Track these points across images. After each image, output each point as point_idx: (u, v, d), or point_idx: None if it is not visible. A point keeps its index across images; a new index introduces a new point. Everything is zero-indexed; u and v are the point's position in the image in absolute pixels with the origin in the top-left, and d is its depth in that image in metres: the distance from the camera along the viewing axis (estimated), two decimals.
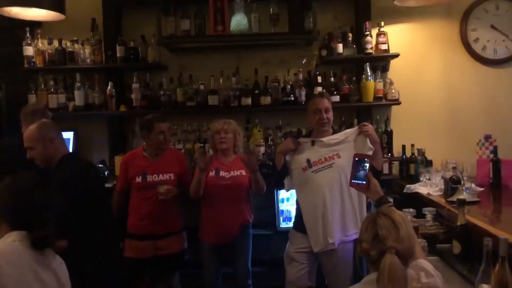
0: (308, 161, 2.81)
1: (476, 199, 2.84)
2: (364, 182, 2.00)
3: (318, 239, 2.77)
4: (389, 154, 3.82)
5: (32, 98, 3.92)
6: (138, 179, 3.13)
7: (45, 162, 2.53)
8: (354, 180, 2.02)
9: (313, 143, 2.82)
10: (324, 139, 2.80)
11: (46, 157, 2.52)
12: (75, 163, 2.59)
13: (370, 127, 2.77)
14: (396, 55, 3.83)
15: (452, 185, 2.89)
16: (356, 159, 2.04)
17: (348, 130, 2.90)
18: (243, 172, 3.11)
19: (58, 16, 3.48)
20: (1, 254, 1.54)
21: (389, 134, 3.87)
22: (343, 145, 2.79)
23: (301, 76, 3.91)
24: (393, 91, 3.83)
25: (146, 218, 3.12)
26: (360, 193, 2.53)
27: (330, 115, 2.83)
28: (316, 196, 2.77)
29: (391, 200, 2.14)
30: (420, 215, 2.76)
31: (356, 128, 2.85)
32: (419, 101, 4.01)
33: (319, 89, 3.78)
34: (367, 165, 2.00)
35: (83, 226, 2.37)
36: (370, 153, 2.70)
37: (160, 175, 3.14)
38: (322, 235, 2.75)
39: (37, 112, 3.15)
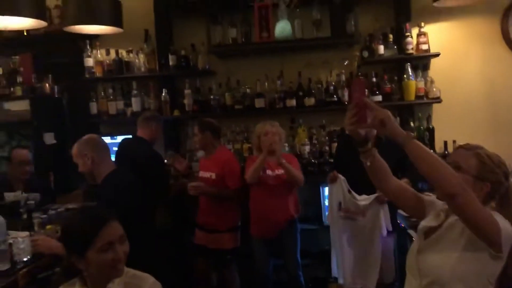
0: (339, 204, 3.08)
1: None
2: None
3: None
4: (431, 151, 3.93)
5: (93, 106, 4.28)
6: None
7: (89, 177, 2.61)
8: None
9: (349, 191, 3.05)
10: (359, 197, 3.01)
11: (87, 173, 2.58)
12: (116, 183, 2.53)
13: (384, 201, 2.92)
14: (436, 55, 3.92)
15: None
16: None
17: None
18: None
19: (116, 30, 3.78)
20: None
21: (431, 131, 3.98)
22: (370, 210, 2.99)
23: (343, 77, 4.07)
24: (434, 89, 3.93)
25: (201, 210, 3.52)
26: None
27: None
28: (338, 236, 3.10)
29: None
30: None
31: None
32: (460, 99, 4.09)
33: None
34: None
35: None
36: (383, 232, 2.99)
37: (205, 172, 3.47)
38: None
39: (151, 118, 3.56)
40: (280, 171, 3.33)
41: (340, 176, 3.09)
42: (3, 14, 2.43)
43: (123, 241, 1.54)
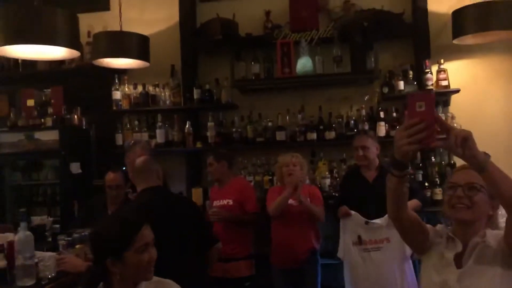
0: (359, 237, 3.07)
1: None
2: None
3: None
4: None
5: (118, 137, 4.41)
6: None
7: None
8: None
9: (366, 223, 3.04)
10: (378, 221, 2.98)
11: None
12: (141, 198, 2.61)
13: None
14: (456, 91, 3.97)
15: None
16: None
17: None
18: (309, 201, 3.35)
19: (143, 63, 3.93)
20: None
21: (453, 167, 3.96)
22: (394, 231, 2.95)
23: (364, 112, 4.13)
24: (455, 125, 3.94)
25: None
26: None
27: (369, 151, 3.12)
28: (362, 272, 3.07)
29: None
30: None
31: None
32: (482, 134, 3.97)
33: (382, 124, 3.99)
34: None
35: None
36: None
37: (221, 200, 3.49)
38: None
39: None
40: None
41: (352, 211, 3.12)
42: (40, 43, 2.57)
43: (153, 245, 1.60)
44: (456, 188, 1.58)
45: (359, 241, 3.06)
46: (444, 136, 1.37)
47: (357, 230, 3.07)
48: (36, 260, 2.31)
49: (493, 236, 1.54)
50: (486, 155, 1.37)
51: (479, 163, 1.36)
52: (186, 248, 2.50)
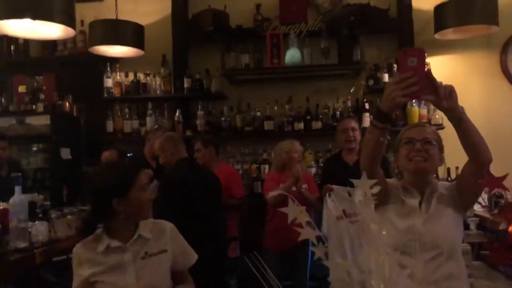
0: (343, 211, 3.10)
1: None
2: None
3: None
4: (435, 176, 4.03)
5: (109, 124, 4.47)
6: None
7: (168, 166, 3.08)
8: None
9: (349, 194, 3.06)
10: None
11: (167, 163, 3.04)
12: (177, 169, 2.97)
13: None
14: None
15: (495, 199, 3.11)
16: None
17: None
18: (307, 186, 3.44)
19: (138, 51, 4.00)
20: None
21: None
22: None
23: (349, 103, 4.27)
24: (436, 116, 4.10)
25: None
26: None
27: (357, 134, 3.20)
28: (346, 242, 3.09)
29: None
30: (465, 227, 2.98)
31: None
32: None
33: (367, 115, 4.12)
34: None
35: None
36: None
37: None
38: None
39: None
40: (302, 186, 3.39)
41: (334, 186, 3.10)
42: (36, 18, 2.62)
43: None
44: (414, 143, 1.72)
45: (344, 214, 3.11)
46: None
47: (341, 205, 3.11)
48: (30, 230, 2.38)
49: (442, 185, 1.77)
50: (462, 108, 1.51)
51: (460, 114, 1.51)
52: (215, 212, 2.97)
